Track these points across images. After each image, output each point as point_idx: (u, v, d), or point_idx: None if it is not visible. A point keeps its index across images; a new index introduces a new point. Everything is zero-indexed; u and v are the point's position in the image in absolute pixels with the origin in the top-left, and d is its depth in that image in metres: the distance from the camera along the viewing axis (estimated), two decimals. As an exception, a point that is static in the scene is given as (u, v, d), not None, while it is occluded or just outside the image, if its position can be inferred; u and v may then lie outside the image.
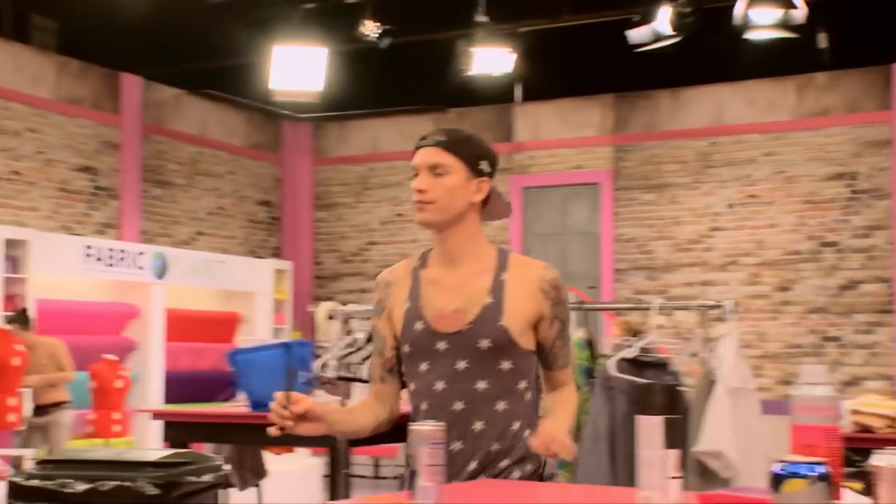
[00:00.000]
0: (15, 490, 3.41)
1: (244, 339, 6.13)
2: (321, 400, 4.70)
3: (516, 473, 2.39)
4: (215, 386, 7.48)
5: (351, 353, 3.94)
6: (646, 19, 7.93)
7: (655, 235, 10.45)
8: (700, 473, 3.75)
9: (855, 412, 3.94)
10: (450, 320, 2.39)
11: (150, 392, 9.09)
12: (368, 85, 10.37)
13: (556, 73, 9.98)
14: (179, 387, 9.25)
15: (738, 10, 7.42)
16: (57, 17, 9.94)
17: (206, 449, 5.34)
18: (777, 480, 1.51)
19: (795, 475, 1.50)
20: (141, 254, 9.29)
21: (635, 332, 4.35)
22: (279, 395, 2.30)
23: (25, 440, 7.20)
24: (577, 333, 3.76)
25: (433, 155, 2.39)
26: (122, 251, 9.13)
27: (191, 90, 10.72)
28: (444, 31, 9.34)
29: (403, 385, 2.52)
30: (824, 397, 1.72)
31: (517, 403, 2.39)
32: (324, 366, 4.03)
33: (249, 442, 5.12)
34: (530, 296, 2.41)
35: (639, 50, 8.04)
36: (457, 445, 2.36)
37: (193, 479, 3.29)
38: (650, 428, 1.80)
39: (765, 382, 9.49)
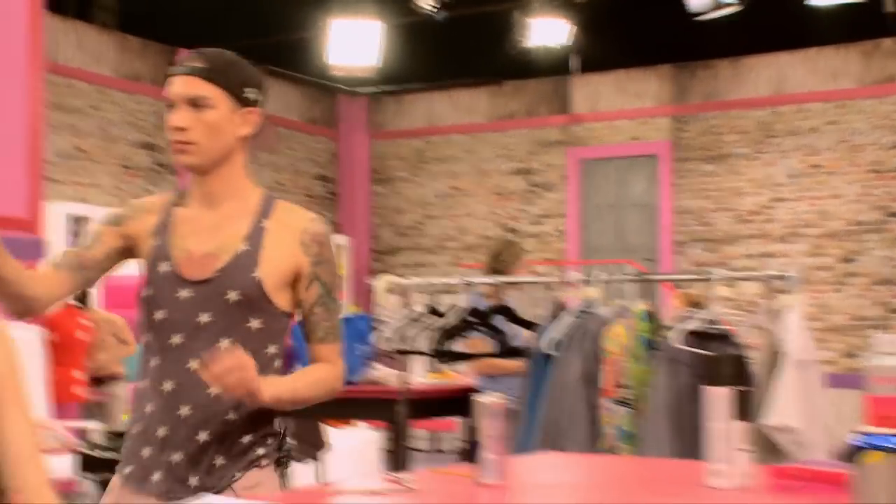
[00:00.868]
0: (86, 461, 3.49)
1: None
2: (380, 373, 4.71)
3: (260, 450, 2.08)
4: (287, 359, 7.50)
5: (409, 325, 3.93)
6: (706, -14, 7.78)
7: (715, 207, 10.31)
8: (764, 447, 3.69)
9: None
10: (198, 265, 2.08)
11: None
12: (424, 58, 10.32)
13: (613, 43, 9.85)
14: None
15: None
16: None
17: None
18: (854, 452, 1.47)
19: (874, 447, 1.45)
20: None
21: (696, 304, 4.29)
22: None
23: (87, 413, 7.33)
24: (638, 305, 3.71)
25: (192, 86, 2.06)
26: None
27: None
28: (499, 3, 9.26)
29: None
30: (901, 367, 1.67)
31: (263, 369, 2.02)
32: (382, 339, 4.02)
33: (309, 415, 5.14)
34: (290, 248, 2.10)
35: (698, 18, 7.90)
36: (185, 411, 2.05)
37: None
38: (718, 399, 1.77)
39: (828, 356, 9.35)
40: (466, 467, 1.96)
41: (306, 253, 2.10)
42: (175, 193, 2.20)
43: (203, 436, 2.04)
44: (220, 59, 2.10)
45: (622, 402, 3.36)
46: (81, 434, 6.99)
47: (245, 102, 2.09)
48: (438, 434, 9.73)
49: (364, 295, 9.07)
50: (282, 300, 2.08)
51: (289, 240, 2.10)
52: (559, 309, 3.57)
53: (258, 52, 10.45)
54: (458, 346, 4.01)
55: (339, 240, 11.02)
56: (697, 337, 3.69)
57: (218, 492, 2.01)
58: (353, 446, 6.80)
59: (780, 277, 3.95)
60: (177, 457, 2.04)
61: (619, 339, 3.42)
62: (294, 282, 2.10)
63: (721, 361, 1.82)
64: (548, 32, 8.92)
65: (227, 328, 2.04)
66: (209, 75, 2.06)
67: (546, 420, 3.26)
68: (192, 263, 2.08)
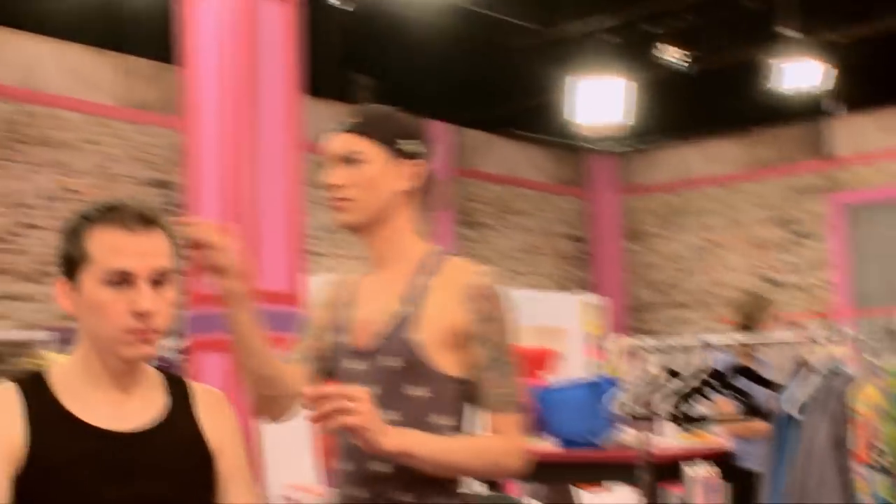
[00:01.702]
0: None
1: (551, 377, 6.16)
2: (627, 436, 4.62)
3: None
4: (534, 423, 7.53)
5: (650, 390, 3.85)
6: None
7: None
8: None
9: None
10: (365, 334, 1.98)
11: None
12: (673, 111, 10.19)
13: (873, 81, 9.37)
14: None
15: None
16: (374, 74, 10.51)
17: (521, 490, 5.39)
18: None
19: None
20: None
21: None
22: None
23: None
24: (892, 362, 3.46)
25: (345, 142, 1.99)
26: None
27: (497, 132, 10.99)
28: (748, 49, 9.03)
29: None
30: None
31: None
32: (621, 403, 3.97)
33: (559, 479, 5.11)
34: (452, 305, 1.92)
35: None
36: (357, 492, 1.93)
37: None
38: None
39: None
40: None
41: (471, 309, 1.93)
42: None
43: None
44: (374, 112, 2.04)
45: (877, 468, 3.13)
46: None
47: (402, 155, 2.00)
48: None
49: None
50: (447, 364, 1.93)
51: (452, 297, 1.94)
52: (803, 367, 3.40)
53: (508, 118, 10.76)
54: (702, 407, 3.89)
55: (593, 299, 10.95)
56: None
57: None
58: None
59: None
60: None
61: (870, 399, 3.20)
62: (460, 343, 1.93)
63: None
64: (801, 75, 8.60)
65: (391, 400, 1.90)
66: (362, 130, 2.00)
67: (793, 486, 3.09)
68: (362, 333, 1.99)
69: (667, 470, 4.34)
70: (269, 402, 2.05)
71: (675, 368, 3.92)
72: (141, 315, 1.72)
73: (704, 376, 3.73)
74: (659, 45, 8.36)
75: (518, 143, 11.26)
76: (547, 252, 11.42)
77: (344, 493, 1.99)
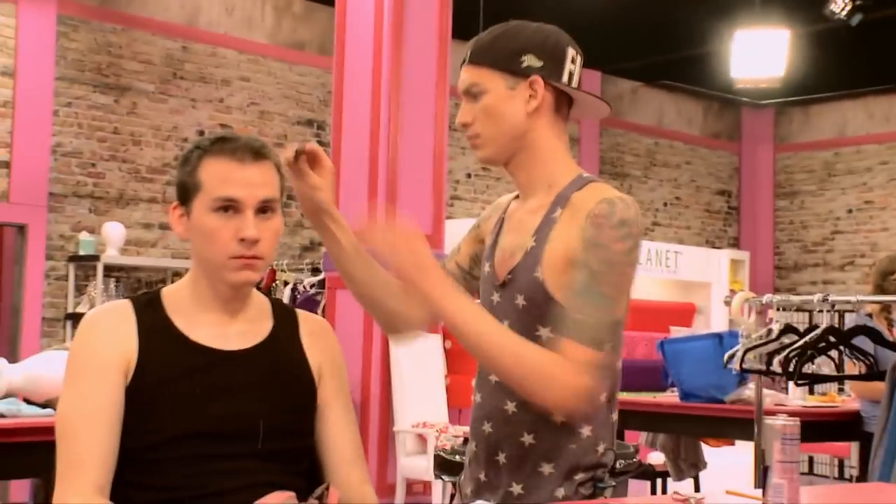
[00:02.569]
0: (440, 463, 3.72)
1: (676, 329, 6.11)
2: (749, 392, 4.57)
3: (560, 491, 1.80)
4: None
5: (762, 344, 3.79)
6: None
7: None
8: None
9: None
10: (503, 266, 1.88)
11: (606, 379, 9.30)
12: (834, 65, 9.81)
13: None
14: (635, 375, 9.35)
15: None
16: (529, 18, 10.45)
17: (640, 438, 5.40)
18: None
19: None
20: (597, 244, 9.54)
21: None
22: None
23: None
24: None
25: (464, 76, 1.88)
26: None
27: (648, 82, 10.81)
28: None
29: None
30: None
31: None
32: (733, 357, 3.92)
33: (680, 432, 5.10)
34: (573, 234, 1.78)
35: None
36: (487, 427, 1.88)
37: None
38: None
39: None
40: (760, 491, 1.90)
41: (582, 236, 1.77)
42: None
43: (501, 457, 1.89)
44: (487, 36, 1.90)
45: None
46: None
47: (524, 73, 1.85)
48: (827, 457, 9.16)
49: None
50: None
51: (574, 227, 1.80)
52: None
53: (661, 69, 10.56)
54: (823, 367, 3.81)
55: (740, 255, 10.74)
56: None
57: None
58: (733, 466, 6.61)
59: None
60: (481, 475, 1.94)
61: None
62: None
63: None
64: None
65: (522, 335, 1.78)
66: (475, 59, 1.88)
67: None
68: (502, 264, 1.90)
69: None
70: (390, 320, 2.03)
71: (798, 326, 3.85)
72: (245, 242, 1.80)
73: (824, 335, 3.64)
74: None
75: (669, 93, 11.05)
76: (694, 206, 11.23)
77: (474, 427, 1.95)
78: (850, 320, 4.12)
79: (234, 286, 1.86)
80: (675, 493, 1.79)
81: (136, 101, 7.62)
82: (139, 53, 7.66)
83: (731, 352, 3.96)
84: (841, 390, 5.81)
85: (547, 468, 1.83)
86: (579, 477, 1.83)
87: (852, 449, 5.05)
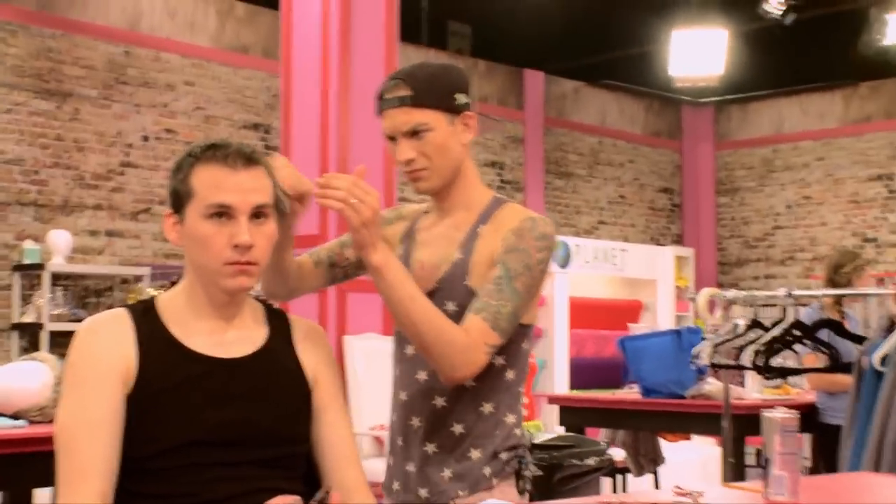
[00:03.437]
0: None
1: (635, 326, 6.18)
2: (712, 387, 4.64)
3: (486, 468, 2.01)
4: (619, 373, 7.58)
5: (729, 340, 3.87)
6: None
7: None
8: None
9: None
10: (426, 277, 2.04)
11: (557, 378, 9.38)
12: (771, 64, 10.00)
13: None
14: (585, 373, 9.46)
15: None
16: (471, 22, 10.50)
17: (600, 435, 5.45)
18: None
19: None
20: (544, 243, 9.61)
21: None
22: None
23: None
24: None
25: (405, 118, 2.01)
26: (527, 241, 9.50)
27: (590, 82, 10.92)
28: (852, 1, 8.80)
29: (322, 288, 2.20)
30: None
31: (489, 381, 1.99)
32: (700, 354, 3.99)
33: (641, 427, 5.16)
34: (496, 248, 1.99)
35: None
36: (415, 422, 2.05)
37: (576, 462, 3.42)
38: None
39: None
40: (760, 484, 1.93)
41: (503, 244, 1.99)
42: (428, 202, 2.17)
43: (430, 448, 2.05)
44: (420, 79, 2.03)
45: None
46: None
47: (459, 110, 2.05)
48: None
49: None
50: None
51: (497, 241, 2.00)
52: (892, 323, 3.37)
53: (600, 68, 10.66)
54: (788, 361, 3.89)
55: (684, 252, 10.90)
56: None
57: None
58: (692, 461, 6.71)
59: None
60: (410, 467, 2.07)
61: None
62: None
63: None
64: (906, 28, 8.36)
65: None
66: (418, 101, 2.01)
67: (875, 440, 3.09)
68: (422, 275, 2.04)
69: (750, 422, 4.36)
70: (275, 288, 2.19)
71: (761, 321, 3.92)
72: (239, 248, 1.80)
73: (790, 329, 3.72)
74: (759, -5, 8.19)
75: (611, 92, 11.17)
76: (638, 204, 11.36)
77: (401, 422, 2.09)
78: (803, 314, 4.21)
79: (229, 292, 1.86)
80: (677, 486, 1.81)
81: (79, 106, 7.50)
82: (81, 59, 7.54)
83: (697, 347, 4.02)
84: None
85: (475, 454, 2.01)
86: (504, 456, 2.03)
87: (804, 441, 5.15)
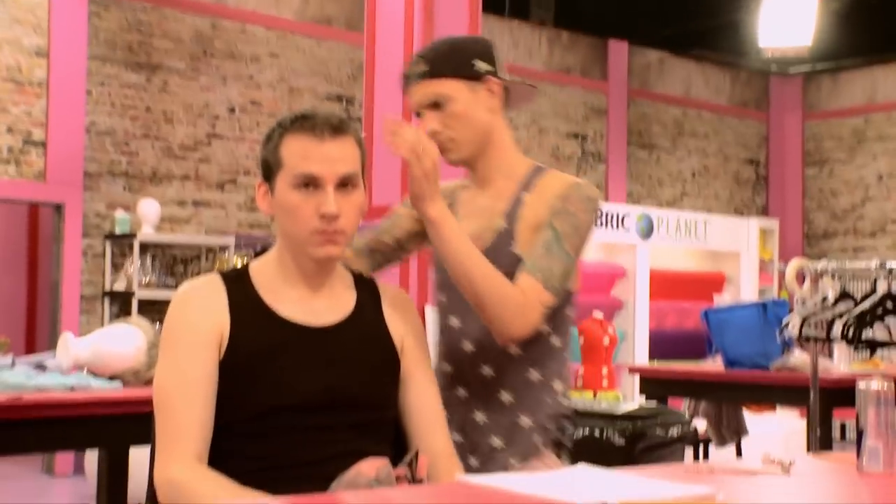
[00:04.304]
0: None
1: (720, 298, 6.11)
2: (798, 360, 4.59)
3: (536, 437, 2.02)
4: (700, 345, 7.51)
5: (818, 312, 3.80)
6: None
7: None
8: None
9: None
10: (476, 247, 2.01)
11: (636, 349, 9.33)
12: (863, 31, 9.74)
13: None
14: (664, 345, 9.39)
15: None
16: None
17: (682, 405, 5.42)
18: None
19: None
20: (627, 215, 9.54)
21: None
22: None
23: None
24: None
25: (425, 90, 2.05)
26: (609, 213, 9.44)
27: (676, 52, 10.76)
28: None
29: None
30: None
31: (536, 348, 2.01)
32: (789, 325, 3.93)
33: (722, 399, 5.12)
34: (541, 214, 2.01)
35: None
36: (462, 392, 2.07)
37: (659, 432, 3.40)
38: None
39: None
40: (851, 455, 1.91)
41: (551, 210, 2.01)
42: (463, 177, 2.19)
43: (479, 416, 2.07)
44: (438, 51, 2.08)
45: None
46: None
47: (480, 77, 2.06)
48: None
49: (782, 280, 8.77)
50: None
51: (543, 208, 2.03)
52: None
53: (686, 38, 10.50)
54: (878, 334, 3.81)
55: (769, 224, 10.72)
56: None
57: None
58: (777, 433, 6.64)
59: None
60: (458, 437, 2.07)
61: None
62: None
63: None
64: None
65: None
66: (436, 72, 2.05)
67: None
68: None
69: (837, 395, 4.30)
70: None
71: (851, 293, 3.85)
72: (326, 217, 1.82)
73: (881, 301, 3.65)
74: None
75: (697, 63, 11.00)
76: (722, 175, 11.21)
77: (447, 393, 2.07)
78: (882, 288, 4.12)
79: (317, 261, 1.88)
80: (766, 455, 1.80)
81: (167, 79, 7.64)
82: (169, 32, 7.67)
83: (786, 319, 3.97)
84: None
85: (525, 421, 2.03)
86: (552, 425, 2.04)
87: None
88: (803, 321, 3.73)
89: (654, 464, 3.15)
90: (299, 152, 1.84)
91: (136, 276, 7.06)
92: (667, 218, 9.78)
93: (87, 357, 3.01)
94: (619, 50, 10.40)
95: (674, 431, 3.38)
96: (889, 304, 3.65)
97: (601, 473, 1.60)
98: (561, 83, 10.06)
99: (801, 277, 4.35)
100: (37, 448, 3.04)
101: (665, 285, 9.76)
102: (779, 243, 10.72)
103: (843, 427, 9.16)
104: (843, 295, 3.83)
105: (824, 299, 3.85)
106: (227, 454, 1.82)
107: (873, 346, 3.79)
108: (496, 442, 2.04)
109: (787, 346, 4.58)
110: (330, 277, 1.93)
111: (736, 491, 1.61)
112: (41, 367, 3.04)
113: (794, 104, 11.42)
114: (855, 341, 3.59)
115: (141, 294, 7.06)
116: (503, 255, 2.00)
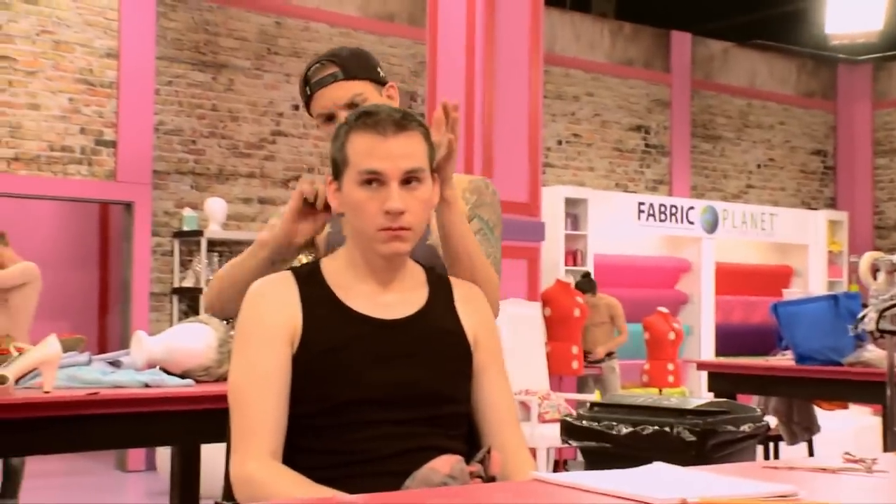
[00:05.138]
0: (567, 428, 3.73)
1: (789, 291, 6.02)
2: (872, 354, 4.50)
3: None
4: (768, 339, 7.42)
5: (893, 305, 3.72)
6: None
7: None
8: None
9: None
10: None
11: (703, 344, 9.24)
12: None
13: None
14: (731, 339, 9.29)
15: None
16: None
17: (753, 401, 5.35)
18: None
19: None
20: (691, 208, 9.45)
21: None
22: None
23: (581, 385, 7.70)
24: None
25: (341, 91, 2.19)
26: (674, 206, 9.36)
27: (740, 42, 10.63)
28: None
29: None
30: None
31: None
32: (864, 319, 3.85)
33: (793, 395, 5.04)
34: None
35: None
36: None
37: (731, 428, 3.36)
38: None
39: None
40: (933, 452, 1.87)
41: (467, 204, 2.17)
42: None
43: None
44: (346, 57, 2.23)
45: None
46: (578, 404, 7.40)
47: (383, 82, 2.25)
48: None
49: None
50: None
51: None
52: None
53: (753, 28, 10.37)
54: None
55: (838, 216, 10.54)
56: None
57: None
58: (849, 431, 6.53)
59: None
60: None
61: None
62: None
63: None
64: None
65: None
66: (350, 74, 2.20)
67: None
68: None
69: (913, 391, 4.21)
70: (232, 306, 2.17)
71: None
72: (391, 213, 1.83)
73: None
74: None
75: (761, 53, 10.85)
76: (788, 167, 11.04)
77: None
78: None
79: (385, 257, 1.89)
80: (847, 453, 1.77)
81: (233, 77, 7.72)
82: (234, 30, 7.75)
83: (861, 313, 3.90)
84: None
85: None
86: None
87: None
88: (880, 314, 3.66)
89: (726, 461, 3.12)
90: (363, 149, 1.85)
91: (203, 273, 7.16)
92: (732, 211, 9.68)
93: (161, 354, 3.06)
94: (681, 41, 10.29)
95: (745, 427, 3.34)
96: (967, 298, 3.57)
97: (678, 471, 1.59)
98: (623, 76, 9.99)
99: (874, 270, 4.27)
100: (112, 444, 3.08)
101: (731, 279, 9.65)
102: (848, 235, 10.55)
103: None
104: (920, 289, 3.75)
105: (899, 293, 3.78)
106: (299, 449, 1.83)
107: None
108: None
109: (859, 340, 4.49)
110: (400, 272, 1.94)
111: (818, 489, 1.58)
112: (116, 364, 3.09)
113: (864, 92, 11.21)
114: (931, 336, 3.52)
115: (208, 291, 7.15)
116: (419, 248, 2.04)
